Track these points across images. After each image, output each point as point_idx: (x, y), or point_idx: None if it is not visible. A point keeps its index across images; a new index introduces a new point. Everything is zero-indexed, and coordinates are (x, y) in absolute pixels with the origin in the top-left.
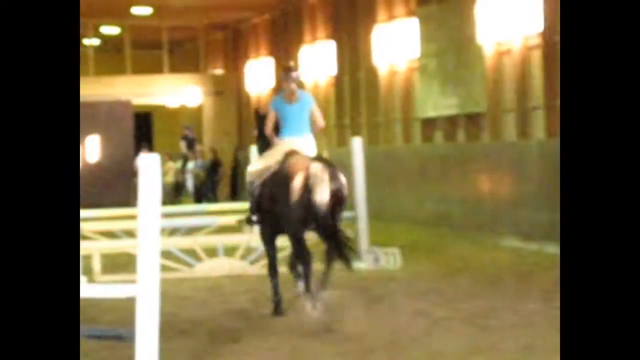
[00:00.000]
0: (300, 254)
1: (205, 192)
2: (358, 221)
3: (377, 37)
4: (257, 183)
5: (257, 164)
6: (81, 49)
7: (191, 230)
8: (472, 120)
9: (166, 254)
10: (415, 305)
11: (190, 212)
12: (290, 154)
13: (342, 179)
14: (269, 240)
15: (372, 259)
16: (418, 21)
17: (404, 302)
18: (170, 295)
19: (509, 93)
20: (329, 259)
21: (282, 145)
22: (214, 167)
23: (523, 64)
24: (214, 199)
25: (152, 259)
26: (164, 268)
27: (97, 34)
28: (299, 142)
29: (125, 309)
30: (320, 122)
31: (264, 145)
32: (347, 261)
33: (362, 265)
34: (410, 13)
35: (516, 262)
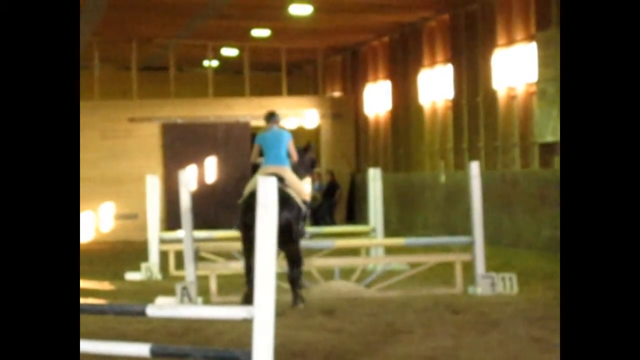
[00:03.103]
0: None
1: (322, 214)
2: (475, 246)
3: (496, 61)
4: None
5: (247, 188)
6: (201, 71)
7: (308, 253)
8: None
9: (283, 277)
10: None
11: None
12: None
13: (294, 211)
14: (246, 252)
15: (489, 284)
16: (536, 45)
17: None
18: (286, 317)
19: None
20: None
21: (263, 170)
22: (331, 190)
23: None
24: (331, 221)
25: (268, 281)
26: (281, 290)
27: (217, 56)
28: (275, 169)
29: (239, 331)
30: (294, 156)
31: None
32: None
33: (478, 290)
34: (530, 37)
35: None
